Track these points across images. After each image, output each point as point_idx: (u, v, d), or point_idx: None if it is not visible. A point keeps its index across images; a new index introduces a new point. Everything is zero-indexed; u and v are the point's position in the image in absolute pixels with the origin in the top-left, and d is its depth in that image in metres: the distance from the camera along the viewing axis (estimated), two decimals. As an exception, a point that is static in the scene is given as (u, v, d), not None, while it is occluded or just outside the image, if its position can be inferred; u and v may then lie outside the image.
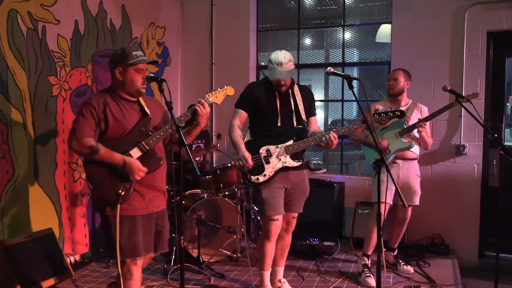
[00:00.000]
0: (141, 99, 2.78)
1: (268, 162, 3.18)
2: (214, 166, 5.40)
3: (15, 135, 3.59)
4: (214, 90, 2.85)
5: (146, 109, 2.75)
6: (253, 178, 3.17)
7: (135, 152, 2.66)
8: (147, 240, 2.72)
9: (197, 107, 2.72)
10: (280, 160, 3.19)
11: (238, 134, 3.21)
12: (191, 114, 2.74)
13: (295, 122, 3.26)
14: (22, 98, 3.64)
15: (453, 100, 3.68)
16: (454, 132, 4.64)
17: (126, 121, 2.66)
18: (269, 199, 3.17)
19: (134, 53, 2.65)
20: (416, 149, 3.93)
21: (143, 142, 2.67)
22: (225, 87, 2.88)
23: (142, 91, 2.72)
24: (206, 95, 2.82)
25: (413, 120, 3.89)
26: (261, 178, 3.17)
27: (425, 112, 3.98)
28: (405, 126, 3.82)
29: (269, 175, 3.17)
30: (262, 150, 3.20)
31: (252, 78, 5.46)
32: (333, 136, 3.05)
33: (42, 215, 3.82)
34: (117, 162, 2.60)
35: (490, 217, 4.59)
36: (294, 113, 3.26)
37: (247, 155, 3.11)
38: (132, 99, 2.75)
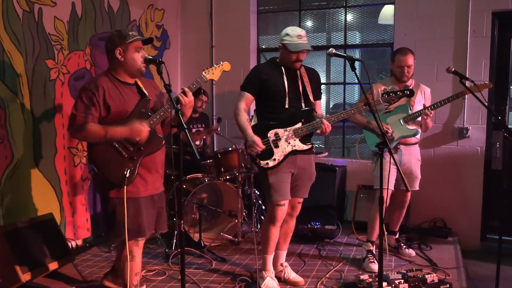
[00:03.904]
0: (138, 81, 2.80)
1: (277, 146, 3.12)
2: (215, 150, 5.38)
3: (14, 119, 3.55)
4: (211, 67, 2.85)
5: (144, 90, 2.77)
6: (263, 163, 3.10)
7: None
8: (149, 220, 2.80)
9: (179, 96, 2.68)
10: (289, 143, 3.13)
11: (245, 117, 3.13)
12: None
13: (303, 104, 3.19)
14: (19, 82, 3.59)
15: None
16: (458, 115, 4.58)
17: (126, 104, 2.70)
18: (276, 184, 3.12)
19: (130, 33, 2.71)
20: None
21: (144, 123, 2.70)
22: (221, 63, 2.89)
23: (143, 70, 2.75)
24: (203, 72, 2.82)
25: (416, 104, 3.81)
26: (271, 163, 3.10)
27: (428, 94, 3.91)
28: (410, 111, 3.74)
29: (278, 159, 3.11)
30: (271, 134, 3.13)
31: (253, 61, 5.39)
32: (326, 125, 3.05)
33: (42, 200, 3.80)
34: (124, 133, 2.63)
35: (492, 200, 4.56)
36: (302, 95, 3.19)
37: (257, 139, 3.05)
38: (130, 82, 2.76)
